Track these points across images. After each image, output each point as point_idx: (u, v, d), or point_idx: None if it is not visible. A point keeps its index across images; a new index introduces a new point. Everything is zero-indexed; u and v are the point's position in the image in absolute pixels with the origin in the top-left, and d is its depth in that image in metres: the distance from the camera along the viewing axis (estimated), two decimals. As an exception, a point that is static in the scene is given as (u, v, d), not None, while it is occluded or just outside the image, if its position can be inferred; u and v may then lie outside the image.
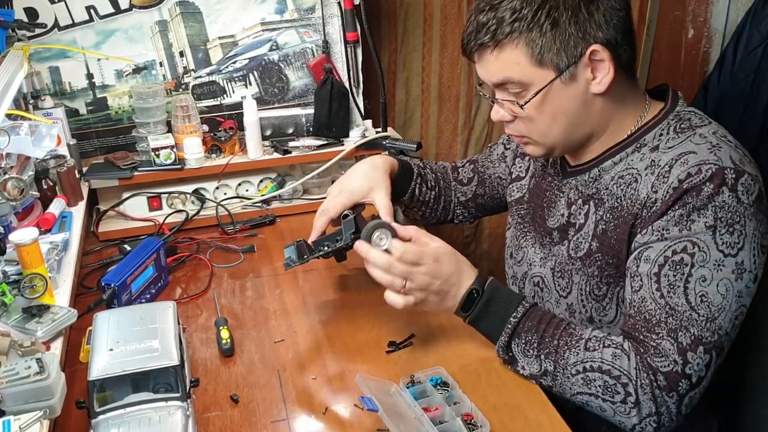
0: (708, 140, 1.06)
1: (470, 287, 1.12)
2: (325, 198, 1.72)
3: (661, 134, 1.12)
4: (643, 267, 1.05)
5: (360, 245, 1.13)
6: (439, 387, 1.09)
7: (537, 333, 1.08)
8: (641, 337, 1.03)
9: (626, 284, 1.10)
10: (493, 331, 1.13)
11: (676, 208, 1.03)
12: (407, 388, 1.08)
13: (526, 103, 1.10)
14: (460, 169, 1.54)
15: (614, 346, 1.04)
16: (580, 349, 1.05)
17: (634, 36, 1.11)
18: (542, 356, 1.07)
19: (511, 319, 1.10)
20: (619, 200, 1.12)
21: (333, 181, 1.79)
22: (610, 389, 1.02)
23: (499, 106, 1.15)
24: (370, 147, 1.74)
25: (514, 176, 1.41)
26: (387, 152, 1.73)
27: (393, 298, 1.12)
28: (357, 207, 1.31)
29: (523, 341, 1.09)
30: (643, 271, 1.05)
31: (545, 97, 1.09)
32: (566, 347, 1.06)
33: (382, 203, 1.27)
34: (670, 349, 1.00)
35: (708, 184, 1.01)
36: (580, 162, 1.21)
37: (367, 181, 1.30)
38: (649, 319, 1.03)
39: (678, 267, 1.02)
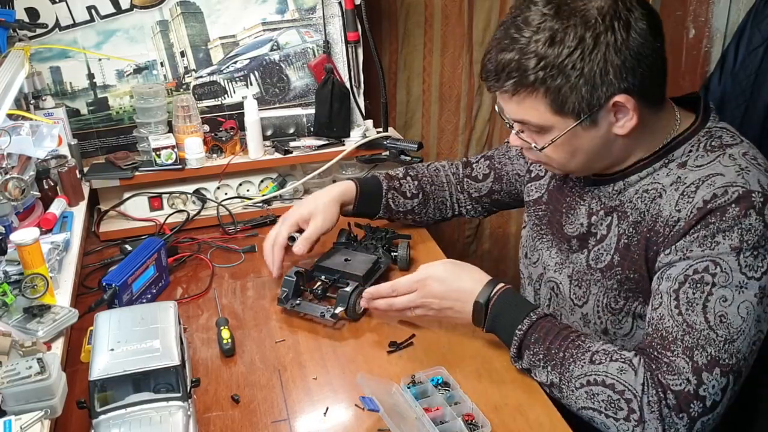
0: (737, 162, 1.03)
1: (475, 301, 1.14)
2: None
3: (690, 150, 1.09)
4: (664, 285, 1.03)
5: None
6: (440, 387, 1.09)
7: (543, 345, 1.07)
8: (655, 353, 1.00)
9: (649, 303, 1.07)
10: (506, 341, 1.14)
11: (699, 228, 1.00)
12: (408, 388, 1.08)
13: (544, 147, 1.08)
14: (473, 165, 1.51)
15: (622, 360, 1.00)
16: (585, 362, 1.03)
17: (666, 71, 1.06)
18: (549, 368, 1.06)
19: (517, 332, 1.10)
20: (642, 215, 1.10)
21: (334, 181, 1.81)
22: (613, 404, 0.99)
23: (516, 136, 1.13)
24: (370, 147, 1.75)
25: (533, 175, 1.37)
26: (387, 152, 1.73)
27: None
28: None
29: (531, 353, 1.09)
30: (663, 289, 1.03)
31: (564, 140, 1.07)
32: (571, 360, 1.04)
33: (305, 233, 1.38)
34: (684, 368, 0.96)
35: (733, 205, 0.98)
36: (605, 173, 1.17)
37: (309, 207, 1.41)
38: (665, 336, 1.00)
39: (698, 285, 0.99)
